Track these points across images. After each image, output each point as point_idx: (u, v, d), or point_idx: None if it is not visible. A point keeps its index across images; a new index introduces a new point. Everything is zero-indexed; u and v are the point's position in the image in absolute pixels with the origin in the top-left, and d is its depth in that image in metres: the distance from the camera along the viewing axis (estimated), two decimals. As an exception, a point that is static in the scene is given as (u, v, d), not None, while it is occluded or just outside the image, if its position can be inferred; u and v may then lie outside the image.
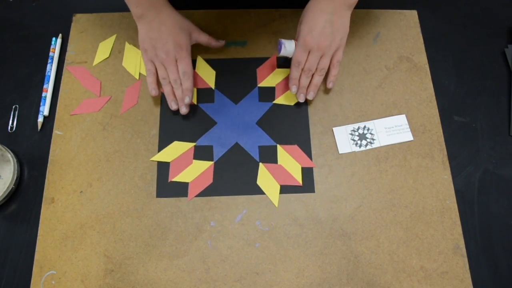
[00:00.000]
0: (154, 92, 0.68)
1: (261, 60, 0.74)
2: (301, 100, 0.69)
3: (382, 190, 0.65)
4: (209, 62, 0.74)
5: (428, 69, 0.73)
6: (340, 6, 0.63)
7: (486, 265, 0.61)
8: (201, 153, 0.68)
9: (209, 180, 0.66)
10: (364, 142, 0.68)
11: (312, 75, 0.68)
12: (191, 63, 0.68)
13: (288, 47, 0.66)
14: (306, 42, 0.64)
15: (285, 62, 0.74)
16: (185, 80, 0.67)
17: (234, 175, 0.66)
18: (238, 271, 0.61)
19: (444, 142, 0.68)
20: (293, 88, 0.68)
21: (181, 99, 0.68)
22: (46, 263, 0.61)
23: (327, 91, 0.72)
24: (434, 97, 0.71)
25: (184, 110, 0.68)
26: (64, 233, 0.62)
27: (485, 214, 0.64)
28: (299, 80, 0.68)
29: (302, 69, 0.66)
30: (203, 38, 0.70)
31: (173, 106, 0.68)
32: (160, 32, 0.65)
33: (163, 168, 0.67)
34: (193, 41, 0.70)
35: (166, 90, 0.68)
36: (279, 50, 0.67)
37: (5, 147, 0.66)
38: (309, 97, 0.69)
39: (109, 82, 0.72)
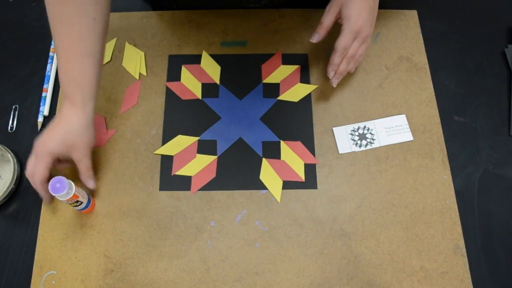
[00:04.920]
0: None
1: (266, 56, 0.74)
2: (334, 85, 0.66)
3: (382, 190, 0.65)
4: (214, 57, 0.74)
5: (428, 69, 0.73)
6: None
7: (486, 265, 0.61)
8: (204, 148, 0.68)
9: (212, 174, 0.66)
10: (364, 142, 0.68)
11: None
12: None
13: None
14: (357, 27, 0.60)
15: (290, 59, 0.74)
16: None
17: (237, 170, 0.66)
18: (238, 271, 0.61)
19: (444, 142, 0.68)
20: (332, 74, 0.65)
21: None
22: (46, 263, 0.61)
23: (326, 91, 0.72)
24: (434, 97, 0.71)
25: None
26: (64, 233, 0.62)
27: (485, 214, 0.64)
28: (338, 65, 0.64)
29: (345, 55, 0.63)
30: (81, 166, 0.60)
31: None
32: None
33: (166, 161, 0.67)
34: (69, 157, 0.60)
35: None
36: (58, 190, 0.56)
37: (5, 147, 0.66)
38: (337, 82, 0.67)
39: (109, 82, 0.72)
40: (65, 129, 0.58)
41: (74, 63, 0.57)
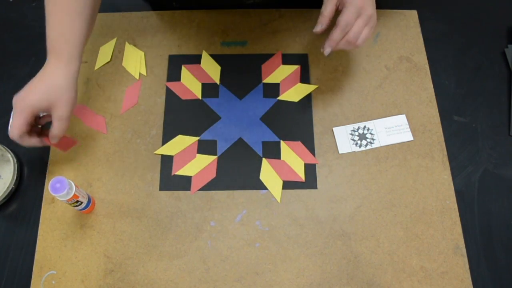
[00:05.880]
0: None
1: (266, 56, 0.74)
2: (326, 54, 0.61)
3: (382, 190, 0.65)
4: (214, 57, 0.74)
5: (428, 69, 0.73)
6: None
7: (486, 265, 0.61)
8: (205, 148, 0.68)
9: (212, 174, 0.66)
10: (364, 142, 0.68)
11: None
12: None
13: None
14: (361, 3, 0.57)
15: (290, 59, 0.74)
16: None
17: (237, 170, 0.66)
18: (238, 271, 0.61)
19: (444, 142, 0.68)
20: (328, 50, 0.60)
21: None
22: (46, 263, 0.61)
23: (326, 91, 0.72)
24: (434, 97, 0.71)
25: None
26: (64, 233, 0.62)
27: (485, 214, 0.64)
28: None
29: (346, 33, 0.58)
30: (57, 125, 0.58)
31: None
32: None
33: (166, 161, 0.67)
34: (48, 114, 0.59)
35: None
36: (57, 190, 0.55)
37: (5, 147, 0.66)
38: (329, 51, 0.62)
39: (109, 82, 0.72)
40: (48, 84, 0.57)
41: (63, 19, 0.58)
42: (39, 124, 0.62)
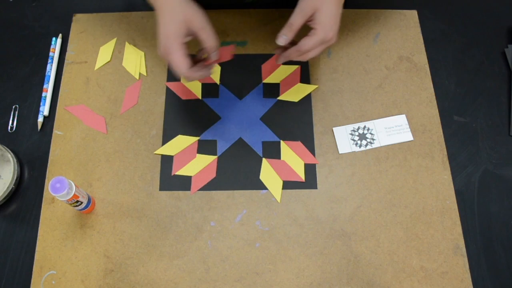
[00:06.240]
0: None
1: (266, 56, 0.74)
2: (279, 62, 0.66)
3: (382, 190, 0.65)
4: None
5: (428, 69, 0.73)
6: None
7: (486, 265, 0.61)
8: (205, 148, 0.68)
9: (212, 174, 0.66)
10: (364, 142, 0.68)
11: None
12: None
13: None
14: (330, 36, 0.58)
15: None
16: None
17: (237, 170, 0.66)
18: (238, 271, 0.61)
19: (444, 142, 0.68)
20: (281, 61, 0.63)
21: None
22: (46, 263, 0.61)
23: (326, 91, 0.72)
24: (434, 97, 0.71)
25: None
26: (64, 233, 0.62)
27: (485, 214, 0.64)
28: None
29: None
30: (203, 34, 0.58)
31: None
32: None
33: (166, 161, 0.67)
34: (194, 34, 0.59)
35: None
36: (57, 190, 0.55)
37: (5, 147, 0.66)
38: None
39: (109, 82, 0.72)
40: (168, 15, 0.57)
41: None
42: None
